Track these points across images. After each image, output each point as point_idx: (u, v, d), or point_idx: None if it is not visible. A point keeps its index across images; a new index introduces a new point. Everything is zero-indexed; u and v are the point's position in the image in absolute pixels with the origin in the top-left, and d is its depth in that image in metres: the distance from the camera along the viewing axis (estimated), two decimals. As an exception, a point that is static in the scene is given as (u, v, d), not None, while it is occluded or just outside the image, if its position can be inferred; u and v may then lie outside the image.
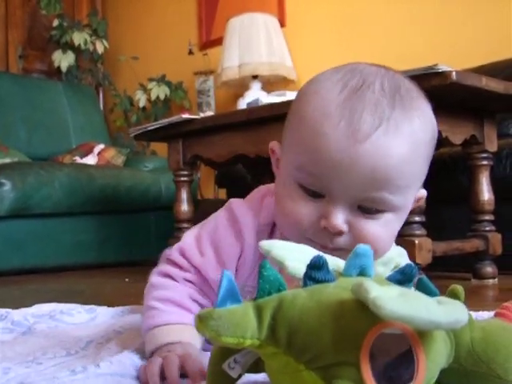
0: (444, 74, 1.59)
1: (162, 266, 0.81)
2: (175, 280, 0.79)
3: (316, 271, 0.54)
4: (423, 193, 0.78)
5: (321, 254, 0.58)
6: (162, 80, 4.01)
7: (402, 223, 0.75)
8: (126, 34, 4.53)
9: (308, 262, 0.55)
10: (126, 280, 2.40)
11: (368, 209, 0.68)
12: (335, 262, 0.62)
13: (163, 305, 0.77)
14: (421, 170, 0.71)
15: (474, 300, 1.55)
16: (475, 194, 1.98)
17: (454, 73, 1.59)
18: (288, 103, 2.00)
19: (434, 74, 1.61)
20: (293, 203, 0.70)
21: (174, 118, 2.30)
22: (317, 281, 0.54)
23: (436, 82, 1.61)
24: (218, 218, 0.82)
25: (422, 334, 0.50)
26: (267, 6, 3.71)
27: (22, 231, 2.82)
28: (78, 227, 3.00)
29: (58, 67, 4.15)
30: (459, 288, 0.59)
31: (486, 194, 1.97)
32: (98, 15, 4.37)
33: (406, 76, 0.74)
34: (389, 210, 0.69)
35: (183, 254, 0.80)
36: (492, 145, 1.99)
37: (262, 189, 0.84)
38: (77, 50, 4.16)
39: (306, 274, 0.54)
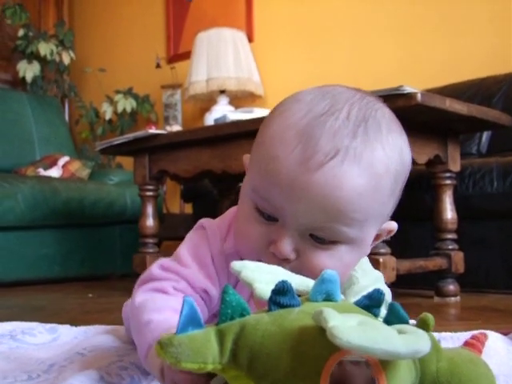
0: (409, 96, 1.62)
1: (146, 285, 0.75)
2: (166, 292, 0.73)
3: (281, 296, 0.54)
4: (393, 226, 0.75)
5: (289, 276, 0.58)
6: (128, 92, 3.99)
7: (361, 256, 0.72)
8: (93, 45, 4.50)
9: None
10: (90, 295, 2.36)
11: (319, 238, 0.66)
12: (305, 283, 0.62)
13: (160, 314, 0.70)
14: (383, 203, 0.68)
15: (436, 318, 1.56)
16: (439, 212, 2.01)
17: (418, 94, 1.61)
18: (255, 120, 2.02)
19: (399, 95, 1.63)
20: (247, 224, 0.69)
21: (140, 133, 2.28)
22: (282, 306, 0.54)
23: (401, 103, 1.63)
24: (194, 238, 0.80)
25: (385, 362, 0.50)
26: (235, 21, 3.73)
27: (-16, 245, 2.77)
28: (41, 241, 2.95)
29: (23, 78, 4.09)
30: (430, 317, 0.59)
31: (449, 212, 2.00)
32: (64, 26, 4.33)
33: (385, 104, 0.72)
34: (342, 242, 0.67)
35: (167, 269, 0.76)
36: (455, 165, 2.03)
37: (232, 210, 0.82)
38: (42, 60, 4.12)
39: (270, 299, 0.54)
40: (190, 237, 0.81)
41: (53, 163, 3.40)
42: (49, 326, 1.16)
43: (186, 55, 3.79)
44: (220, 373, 0.51)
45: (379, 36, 3.15)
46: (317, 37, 3.41)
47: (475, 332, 0.72)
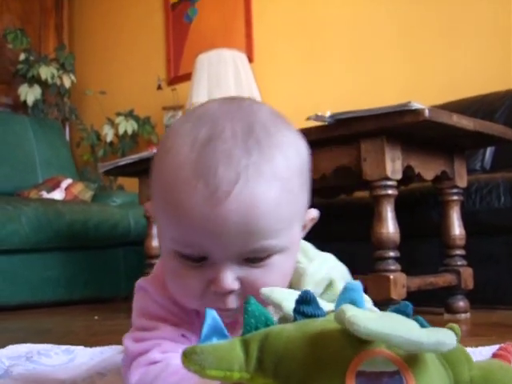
0: (417, 112, 1.62)
1: (134, 365, 0.72)
2: (156, 362, 0.71)
3: (305, 306, 0.54)
4: (314, 213, 0.75)
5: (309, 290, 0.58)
6: (129, 115, 4.00)
7: (295, 255, 0.72)
8: (93, 68, 4.52)
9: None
10: (96, 318, 2.35)
11: (255, 259, 0.65)
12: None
13: (173, 374, 0.68)
14: (298, 202, 0.67)
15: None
16: (446, 228, 2.00)
17: (426, 110, 1.61)
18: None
19: (406, 111, 1.63)
20: (178, 277, 0.67)
21: (144, 154, 2.29)
22: (306, 315, 0.54)
23: (409, 119, 1.63)
24: (139, 301, 0.78)
25: (412, 365, 0.50)
26: (235, 42, 3.75)
27: (-13, 268, 2.75)
28: (45, 263, 2.93)
29: (24, 101, 4.10)
30: (456, 326, 0.59)
31: (457, 228, 2.00)
32: (65, 49, 4.36)
33: (261, 103, 0.71)
34: (275, 253, 0.66)
35: (141, 340, 0.74)
36: (462, 180, 2.03)
37: (160, 264, 0.79)
38: (43, 84, 4.13)
39: (295, 310, 0.54)
40: (136, 302, 0.79)
41: (56, 186, 3.40)
42: (64, 347, 1.15)
43: (187, 77, 3.80)
44: (248, 382, 0.51)
45: (381, 54, 3.17)
46: (317, 56, 3.43)
47: (502, 345, 0.72)
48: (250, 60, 3.64)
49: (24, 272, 2.85)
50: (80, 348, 1.18)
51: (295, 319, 0.55)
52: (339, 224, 2.43)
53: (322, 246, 0.84)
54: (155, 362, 0.72)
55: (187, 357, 0.49)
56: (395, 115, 1.66)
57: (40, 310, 2.82)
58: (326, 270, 0.78)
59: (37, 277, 2.89)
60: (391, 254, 1.74)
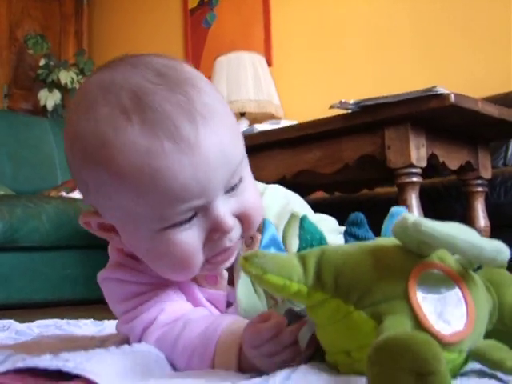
0: (442, 97, 1.61)
1: (147, 335, 0.73)
2: (170, 322, 0.73)
3: (356, 228, 0.54)
4: None
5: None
6: (148, 118, 4.01)
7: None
8: (112, 73, 4.54)
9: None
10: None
11: (233, 186, 0.67)
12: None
13: (196, 322, 0.71)
14: (237, 126, 0.72)
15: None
16: (471, 220, 1.98)
17: (452, 95, 1.60)
18: (284, 129, 2.01)
19: (432, 96, 1.62)
20: (172, 252, 0.66)
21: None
22: (357, 238, 0.54)
23: (434, 104, 1.62)
24: (111, 289, 0.78)
25: (465, 280, 0.51)
26: (254, 46, 3.76)
27: (8, 264, 2.76)
28: (65, 261, 2.94)
29: (44, 106, 4.14)
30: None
31: (481, 220, 1.98)
32: (84, 55, 4.40)
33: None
34: (244, 176, 0.69)
35: (137, 316, 0.74)
36: (486, 172, 2.01)
37: (117, 256, 0.79)
38: (63, 88, 4.16)
39: (346, 231, 0.54)
40: (109, 293, 0.79)
41: (75, 187, 3.40)
42: (92, 320, 1.14)
43: (206, 80, 3.82)
44: (304, 299, 0.50)
45: (398, 54, 3.17)
46: (336, 59, 3.43)
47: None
48: (269, 64, 3.65)
49: (44, 269, 2.86)
50: (111, 322, 1.17)
51: (346, 241, 0.54)
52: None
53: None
54: (168, 324, 0.72)
55: (248, 260, 0.48)
56: (420, 101, 1.64)
57: (59, 308, 2.82)
58: (281, 202, 0.81)
59: (56, 274, 2.89)
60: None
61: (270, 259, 0.48)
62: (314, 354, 0.56)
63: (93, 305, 2.96)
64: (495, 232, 2.01)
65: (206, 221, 0.66)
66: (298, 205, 0.84)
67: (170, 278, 0.72)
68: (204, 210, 0.65)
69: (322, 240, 0.54)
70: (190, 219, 0.65)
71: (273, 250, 0.52)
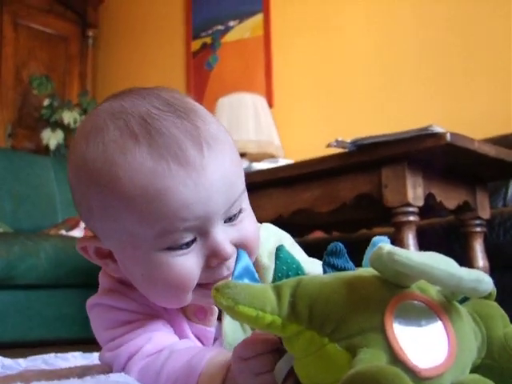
0: (438, 136, 1.62)
1: (130, 365, 0.72)
2: (155, 353, 0.71)
3: (335, 258, 0.53)
4: None
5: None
6: (150, 158, 4.03)
7: None
8: (115, 113, 4.59)
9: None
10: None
11: (233, 216, 0.69)
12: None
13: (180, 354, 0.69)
14: (239, 158, 0.74)
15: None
16: (470, 261, 1.96)
17: (448, 134, 1.61)
18: (282, 168, 2.01)
19: (428, 135, 1.63)
20: (169, 275, 0.66)
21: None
22: (336, 268, 0.53)
23: (430, 143, 1.63)
24: (100, 316, 0.79)
25: (448, 312, 0.50)
26: (255, 88, 3.79)
27: (4, 302, 2.73)
28: (62, 300, 2.91)
29: (47, 145, 4.16)
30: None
31: (480, 261, 1.96)
32: (88, 95, 4.44)
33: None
34: (244, 205, 0.71)
35: (123, 344, 0.73)
36: (485, 212, 2.00)
37: (108, 280, 0.81)
38: (66, 128, 4.19)
39: (324, 261, 0.53)
40: (97, 320, 0.79)
41: (75, 225, 3.40)
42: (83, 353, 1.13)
43: (207, 121, 3.84)
44: (279, 331, 0.49)
45: (403, 95, 3.19)
46: (338, 102, 3.46)
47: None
48: (270, 105, 3.68)
49: (40, 308, 2.83)
50: (98, 354, 1.15)
51: (325, 272, 0.53)
52: (361, 258, 2.40)
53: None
54: (153, 354, 0.71)
55: (219, 290, 0.47)
56: (417, 140, 1.65)
57: (55, 346, 2.78)
58: (274, 239, 0.81)
59: (53, 313, 2.86)
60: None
61: (242, 290, 0.47)
62: None
63: (89, 344, 2.93)
64: (495, 273, 1.99)
65: (205, 247, 0.66)
66: (289, 243, 0.83)
67: (163, 304, 0.72)
68: (204, 236, 0.66)
69: (298, 270, 0.53)
70: (189, 244, 0.66)
71: (246, 281, 0.51)
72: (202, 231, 0.66)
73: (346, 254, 0.54)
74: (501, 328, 0.55)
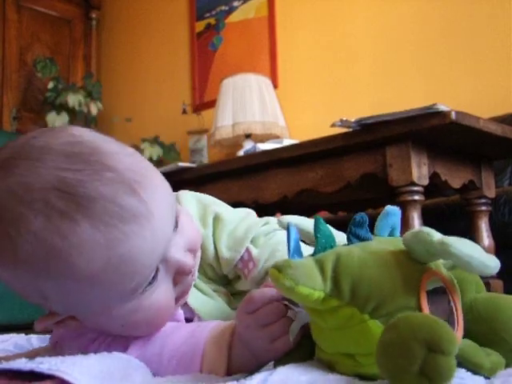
0: (443, 114, 1.61)
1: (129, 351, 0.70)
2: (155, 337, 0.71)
3: (359, 229, 0.56)
4: None
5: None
6: (154, 141, 4.03)
7: None
8: (120, 96, 4.59)
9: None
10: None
11: (176, 223, 0.69)
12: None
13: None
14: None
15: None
16: (475, 240, 1.96)
17: (453, 112, 1.60)
18: (286, 148, 2.01)
19: (432, 113, 1.62)
20: (151, 305, 0.66)
21: (170, 167, 2.29)
22: (359, 238, 0.57)
23: (435, 121, 1.62)
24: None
25: (454, 288, 0.55)
26: (260, 69, 3.78)
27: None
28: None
29: (52, 128, 4.16)
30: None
31: (486, 239, 1.96)
32: (92, 78, 4.43)
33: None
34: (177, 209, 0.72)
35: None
36: (490, 191, 2.00)
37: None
38: (71, 111, 4.19)
39: (350, 232, 0.57)
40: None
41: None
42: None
43: (212, 104, 3.84)
44: (318, 305, 0.52)
45: (405, 77, 3.17)
46: (340, 80, 3.44)
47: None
48: (275, 86, 3.66)
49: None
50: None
51: (349, 241, 0.57)
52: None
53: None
54: (148, 341, 0.71)
55: (282, 270, 0.49)
56: (421, 118, 1.64)
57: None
58: (197, 205, 0.85)
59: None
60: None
61: (301, 270, 0.50)
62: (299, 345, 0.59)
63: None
64: (500, 251, 1.99)
65: (168, 270, 0.67)
66: (217, 204, 0.87)
67: (147, 334, 0.71)
68: (163, 262, 0.66)
69: (332, 243, 0.56)
70: (155, 276, 0.66)
71: (296, 257, 0.54)
72: (161, 259, 0.66)
73: (367, 225, 0.58)
74: (473, 292, 0.59)
